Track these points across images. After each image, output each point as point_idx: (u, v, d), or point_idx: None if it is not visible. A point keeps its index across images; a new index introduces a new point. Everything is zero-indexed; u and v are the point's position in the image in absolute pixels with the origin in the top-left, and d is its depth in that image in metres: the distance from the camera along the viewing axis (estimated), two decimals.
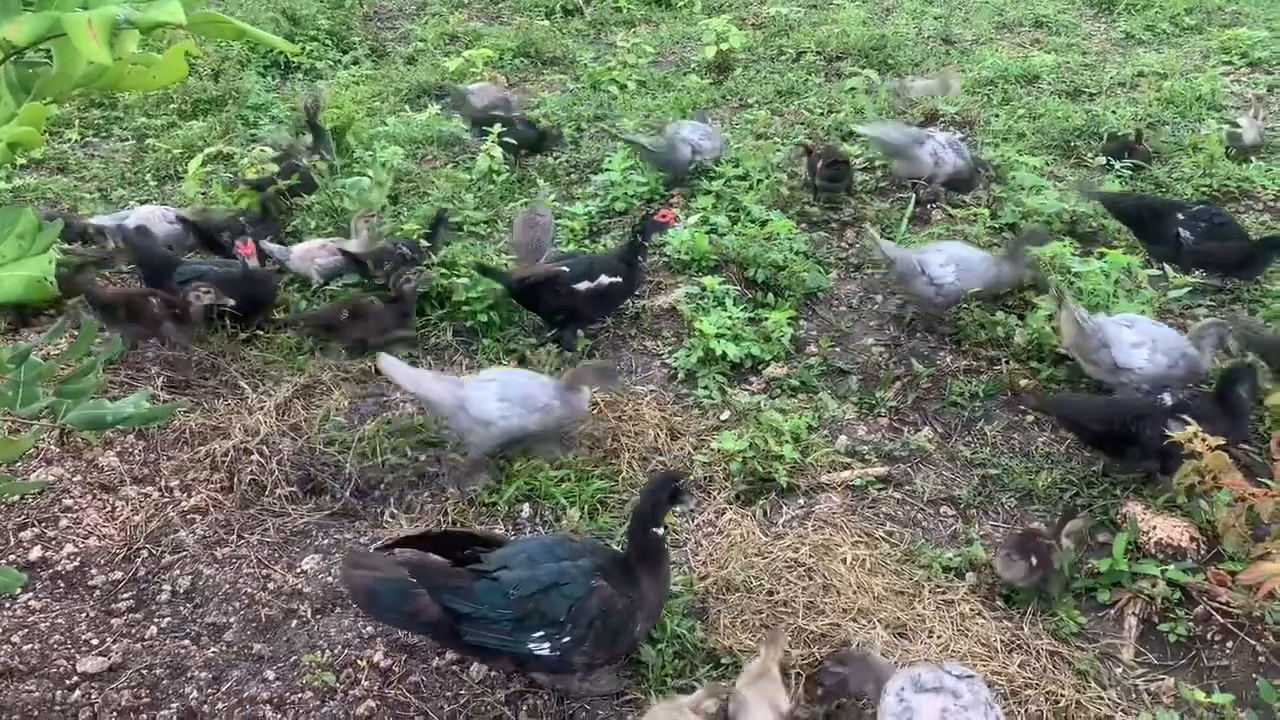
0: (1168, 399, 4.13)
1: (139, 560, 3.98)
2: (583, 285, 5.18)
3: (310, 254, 5.79)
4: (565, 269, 5.20)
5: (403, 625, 3.30)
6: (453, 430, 4.39)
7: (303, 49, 10.36)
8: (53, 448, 4.53)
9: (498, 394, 4.22)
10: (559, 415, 4.32)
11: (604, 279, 5.22)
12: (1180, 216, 5.55)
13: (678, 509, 3.90)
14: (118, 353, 4.91)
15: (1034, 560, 3.62)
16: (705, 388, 4.95)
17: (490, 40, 10.58)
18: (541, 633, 3.06)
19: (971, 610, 3.65)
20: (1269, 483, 3.59)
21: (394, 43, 11.18)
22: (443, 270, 5.62)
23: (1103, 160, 7.19)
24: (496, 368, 4.81)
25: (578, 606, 3.08)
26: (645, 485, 3.43)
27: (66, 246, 5.78)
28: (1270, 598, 3.40)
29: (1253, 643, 3.50)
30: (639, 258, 5.39)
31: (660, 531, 3.27)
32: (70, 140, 8.47)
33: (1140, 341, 4.50)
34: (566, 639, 3.07)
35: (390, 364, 4.25)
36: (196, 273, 5.33)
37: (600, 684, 3.36)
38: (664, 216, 5.52)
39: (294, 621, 3.70)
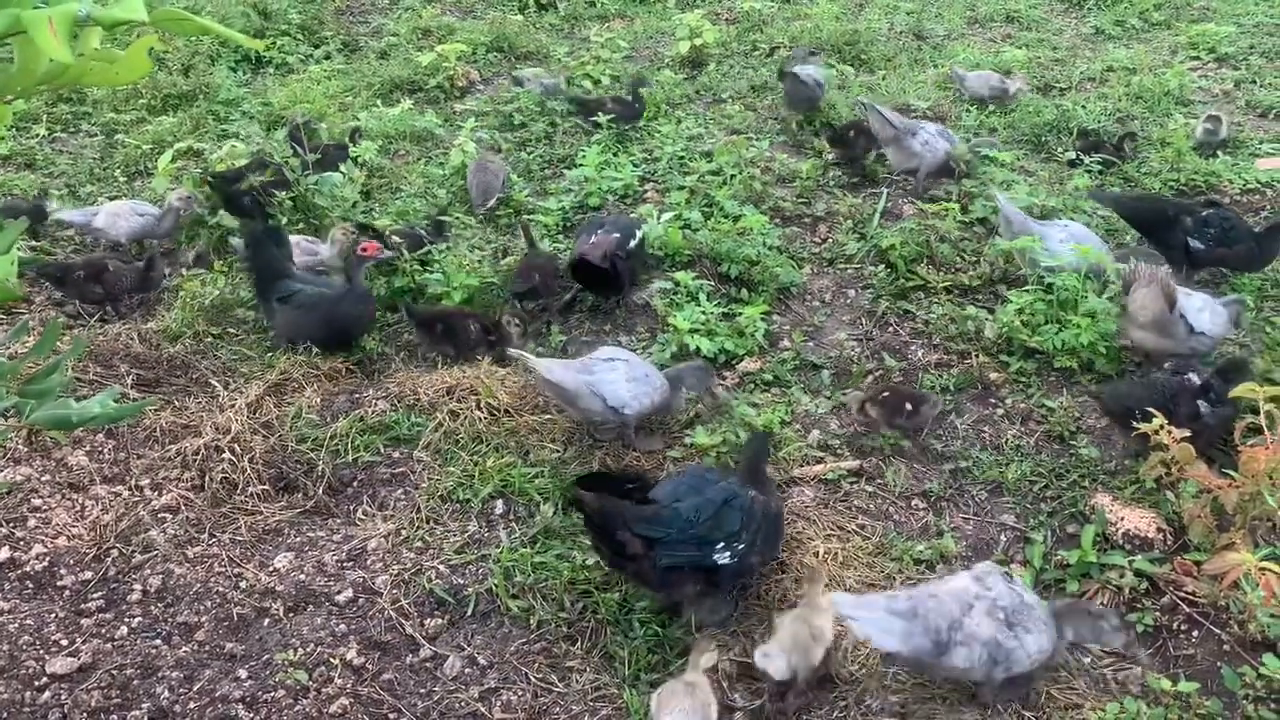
0: (1195, 378, 4.24)
1: (109, 560, 3.95)
2: (633, 242, 5.50)
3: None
4: (616, 235, 5.42)
5: (614, 561, 3.54)
6: (585, 416, 4.45)
7: (274, 43, 10.29)
8: (20, 447, 4.49)
9: (627, 375, 4.33)
10: (669, 399, 4.46)
11: (636, 233, 5.57)
12: (1189, 223, 5.50)
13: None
14: (81, 352, 4.86)
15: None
16: None
17: (463, 35, 10.53)
18: (722, 544, 3.45)
19: None
20: (1233, 474, 3.64)
21: (366, 37, 11.11)
22: (417, 268, 5.61)
23: (1071, 155, 7.27)
24: (608, 347, 4.81)
25: (747, 516, 3.52)
26: (751, 439, 4.08)
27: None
28: (1234, 587, 3.44)
29: (1218, 632, 3.56)
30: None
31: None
32: (38, 136, 8.37)
33: (1202, 307, 4.68)
34: (742, 545, 3.49)
35: (521, 354, 4.36)
36: (291, 291, 5.11)
37: (717, 615, 3.65)
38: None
39: (266, 620, 3.69)
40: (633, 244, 5.50)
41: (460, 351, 5.13)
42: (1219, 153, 7.26)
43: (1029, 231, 5.47)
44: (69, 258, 6.01)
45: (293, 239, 5.81)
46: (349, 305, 5.12)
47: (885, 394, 4.55)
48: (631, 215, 5.71)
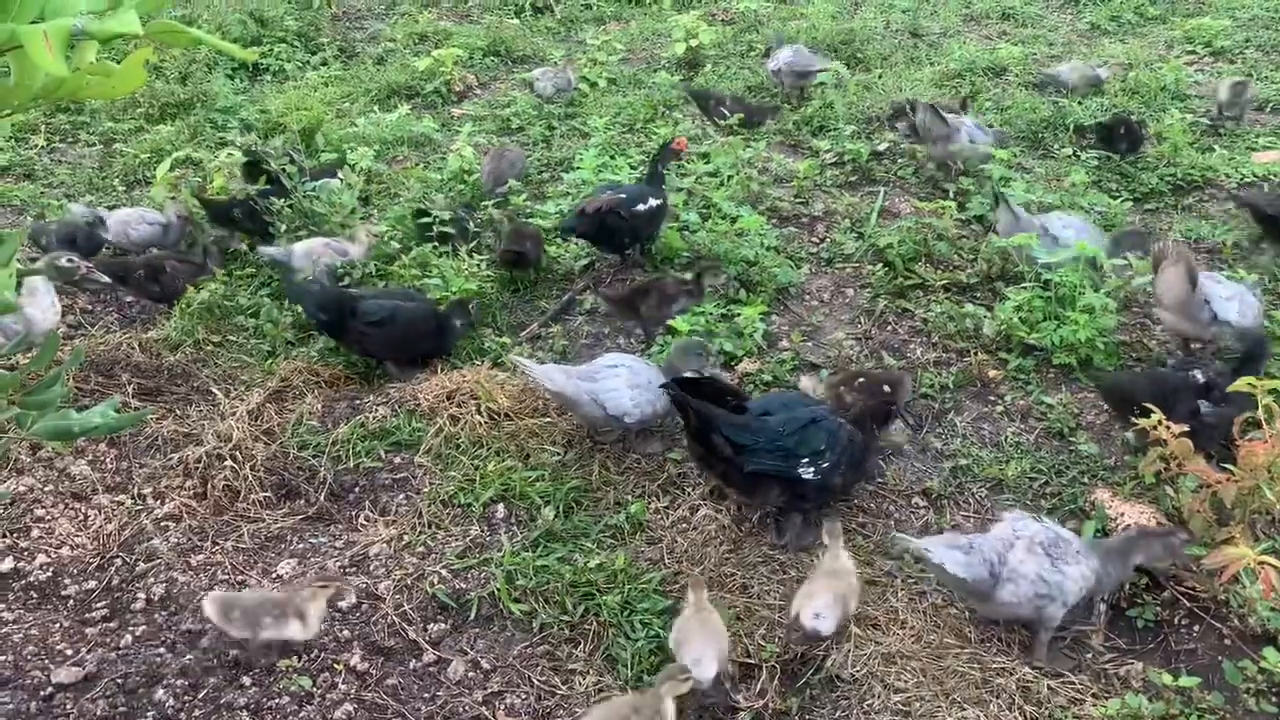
0: (1200, 376, 4.24)
1: (112, 569, 3.97)
2: (640, 207, 5.76)
3: (314, 253, 5.78)
4: (623, 196, 5.73)
5: (706, 461, 3.86)
6: (587, 422, 4.47)
7: (270, 51, 10.31)
8: (23, 457, 4.50)
9: (629, 382, 4.32)
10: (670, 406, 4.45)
11: (652, 201, 5.84)
12: None
13: (891, 427, 4.26)
14: (80, 361, 4.88)
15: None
16: None
17: (460, 39, 10.55)
18: (807, 459, 3.68)
19: (944, 600, 3.69)
20: (1232, 468, 3.65)
21: (363, 43, 11.14)
22: (415, 271, 5.63)
23: (1069, 151, 7.28)
24: (612, 353, 4.82)
25: (833, 437, 3.74)
26: (868, 401, 4.19)
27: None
28: (1234, 581, 3.45)
29: (1218, 626, 3.56)
30: (662, 184, 6.06)
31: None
32: (37, 146, 8.39)
33: (1231, 296, 4.70)
34: (826, 464, 3.72)
35: (521, 362, 4.40)
36: (385, 309, 4.97)
37: (804, 539, 3.93)
38: (679, 144, 6.27)
39: None
40: (640, 207, 5.77)
41: (649, 321, 5.31)
42: (1237, 121, 7.52)
43: (1031, 228, 5.49)
44: (131, 256, 6.07)
45: (321, 240, 5.88)
46: (455, 315, 5.16)
47: (860, 378, 4.55)
48: (654, 188, 6.05)
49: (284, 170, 6.27)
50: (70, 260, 5.28)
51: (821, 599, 3.42)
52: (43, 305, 4.85)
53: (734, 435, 3.67)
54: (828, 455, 3.73)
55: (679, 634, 3.35)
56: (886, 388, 4.47)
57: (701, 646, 3.27)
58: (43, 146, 8.41)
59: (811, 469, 3.71)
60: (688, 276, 5.49)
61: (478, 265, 5.74)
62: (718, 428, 3.67)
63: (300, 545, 4.11)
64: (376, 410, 4.77)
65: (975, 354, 5.11)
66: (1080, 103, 8.16)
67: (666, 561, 3.92)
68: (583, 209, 5.74)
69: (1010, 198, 5.76)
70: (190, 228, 6.44)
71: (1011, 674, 3.37)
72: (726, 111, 7.87)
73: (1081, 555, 3.41)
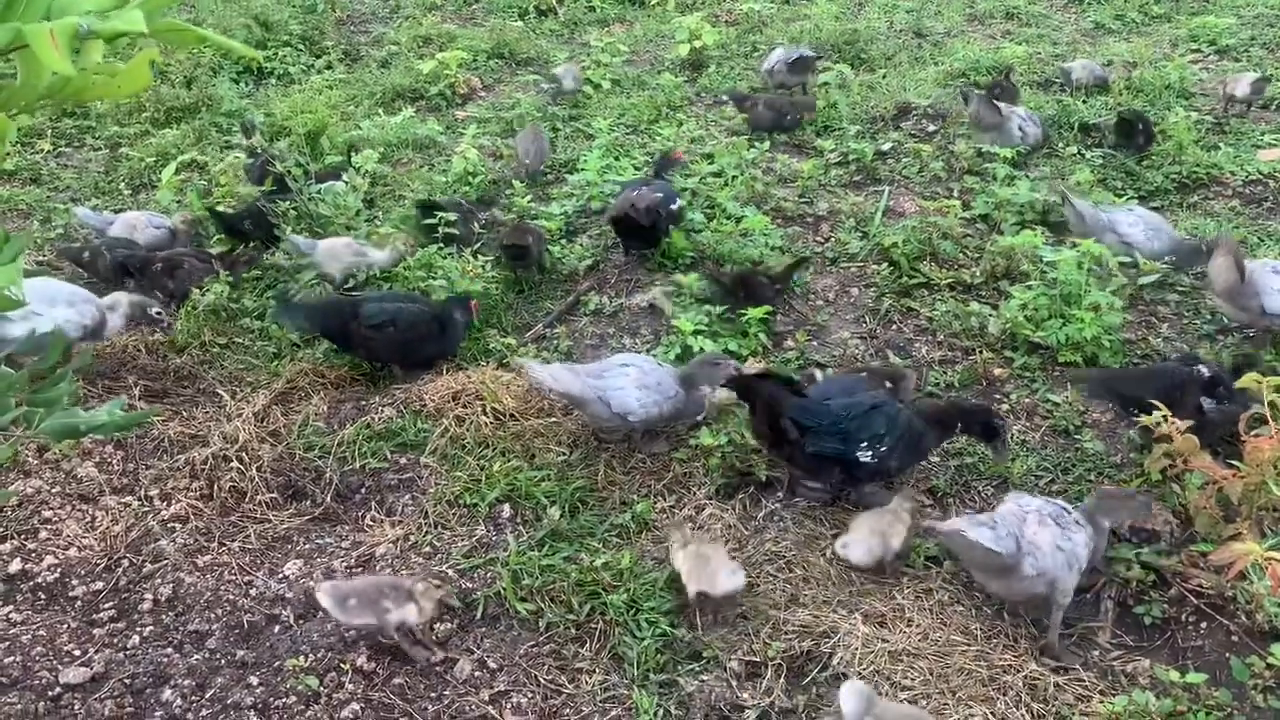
0: (1205, 370, 4.25)
1: (120, 570, 3.98)
2: (673, 206, 5.99)
3: (336, 252, 5.83)
4: (660, 195, 5.90)
5: (775, 443, 4.07)
6: (593, 420, 4.48)
7: (275, 54, 10.33)
8: (30, 460, 4.52)
9: (637, 381, 4.34)
10: (683, 405, 4.46)
11: (679, 201, 6.11)
12: None
13: (990, 444, 4.23)
14: (88, 362, 4.91)
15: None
16: None
17: (464, 42, 10.56)
18: (866, 443, 3.87)
19: (950, 598, 3.69)
20: (1238, 465, 3.64)
21: (367, 46, 11.16)
22: (420, 274, 5.63)
23: (1074, 149, 7.27)
24: (624, 353, 4.84)
25: (892, 422, 3.92)
26: (974, 405, 4.34)
27: None
28: (1241, 578, 3.45)
29: (1225, 623, 3.56)
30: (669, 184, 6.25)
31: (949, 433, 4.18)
32: (43, 151, 8.42)
33: None
34: (884, 447, 3.89)
35: (526, 364, 4.43)
36: (387, 312, 4.96)
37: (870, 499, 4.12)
38: (676, 155, 6.45)
39: (276, 627, 3.70)
40: (674, 206, 6.00)
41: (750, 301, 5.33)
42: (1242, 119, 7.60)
43: (1100, 224, 5.51)
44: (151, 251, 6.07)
45: (345, 240, 5.91)
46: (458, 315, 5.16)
47: (863, 374, 4.56)
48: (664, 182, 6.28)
49: (289, 172, 6.29)
50: (159, 313, 5.39)
51: (856, 533, 3.77)
52: (115, 322, 5.19)
53: (800, 418, 3.90)
54: (886, 440, 3.91)
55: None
56: (889, 384, 4.47)
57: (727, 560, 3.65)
58: (49, 151, 8.44)
59: (869, 452, 3.89)
60: (776, 271, 5.61)
61: (482, 266, 5.74)
62: (785, 412, 3.89)
63: (307, 546, 4.12)
64: (382, 411, 4.78)
65: (980, 352, 5.10)
66: (1085, 101, 8.14)
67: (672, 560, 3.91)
68: (633, 204, 5.79)
69: (1077, 198, 5.76)
70: (197, 230, 6.45)
71: (1018, 671, 3.37)
72: (767, 114, 7.86)
73: (1080, 523, 3.54)
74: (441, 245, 5.94)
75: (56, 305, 4.84)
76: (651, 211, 5.78)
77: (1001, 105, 7.18)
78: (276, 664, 3.52)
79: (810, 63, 8.61)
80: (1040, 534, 3.42)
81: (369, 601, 3.47)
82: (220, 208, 6.52)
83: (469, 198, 6.87)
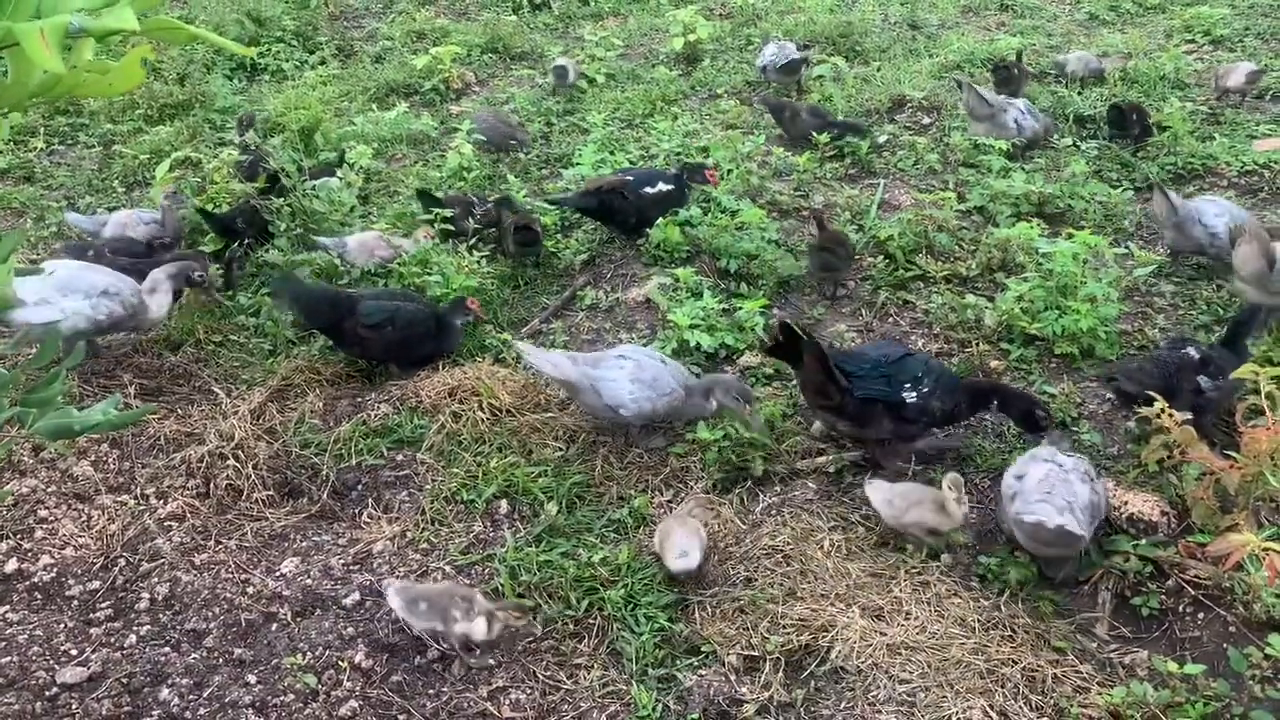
0: (1193, 352, 4.28)
1: (116, 569, 3.97)
2: (648, 190, 6.07)
3: (368, 246, 5.90)
4: (630, 178, 6.07)
5: (823, 396, 4.28)
6: (588, 410, 4.49)
7: (268, 50, 10.29)
8: (26, 459, 4.50)
9: (632, 375, 4.33)
10: (680, 405, 4.44)
11: (662, 185, 6.14)
12: None
13: (1031, 432, 4.35)
14: (80, 360, 4.87)
15: None
16: None
17: (458, 37, 10.54)
18: (908, 384, 4.21)
19: (948, 590, 3.69)
20: (1235, 455, 3.64)
21: (361, 42, 11.13)
22: (416, 270, 5.62)
23: (1069, 141, 7.27)
24: (629, 345, 4.84)
25: (926, 366, 4.29)
26: (1020, 392, 4.40)
27: None
28: (1238, 568, 3.45)
29: (1223, 613, 3.56)
30: (685, 186, 6.31)
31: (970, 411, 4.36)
32: (36, 149, 8.39)
33: None
34: (925, 389, 4.21)
35: (524, 348, 4.46)
36: (384, 311, 4.92)
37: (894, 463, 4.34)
38: (712, 179, 6.35)
39: (274, 625, 3.70)
40: (648, 190, 6.07)
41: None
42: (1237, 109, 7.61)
43: (1190, 213, 5.52)
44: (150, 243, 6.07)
45: (374, 234, 5.97)
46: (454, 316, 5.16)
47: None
48: (670, 171, 6.39)
49: (282, 169, 6.27)
50: (201, 276, 5.35)
51: (886, 490, 3.94)
52: (160, 301, 5.09)
53: (845, 364, 4.23)
54: (925, 381, 4.22)
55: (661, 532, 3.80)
56: None
57: (685, 540, 3.72)
58: (42, 149, 8.41)
59: (914, 393, 4.19)
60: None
61: (478, 262, 5.73)
62: (834, 361, 4.21)
63: (304, 543, 4.11)
64: (378, 408, 4.77)
65: (977, 345, 5.10)
66: (1080, 93, 8.14)
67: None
68: (587, 188, 5.97)
69: (1166, 186, 5.77)
70: (183, 212, 6.44)
71: (1016, 663, 3.36)
72: (808, 125, 7.56)
73: (1091, 473, 3.78)
74: (437, 241, 5.93)
75: (69, 296, 4.76)
76: (603, 193, 5.96)
77: (990, 97, 7.13)
78: (274, 662, 3.52)
79: (798, 65, 8.55)
80: (1081, 494, 3.61)
81: (439, 609, 3.45)
82: (210, 208, 6.48)
83: (465, 192, 6.85)
